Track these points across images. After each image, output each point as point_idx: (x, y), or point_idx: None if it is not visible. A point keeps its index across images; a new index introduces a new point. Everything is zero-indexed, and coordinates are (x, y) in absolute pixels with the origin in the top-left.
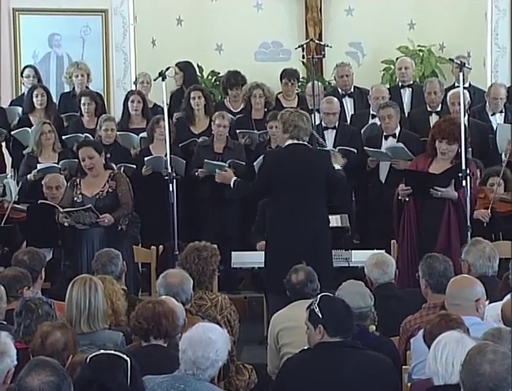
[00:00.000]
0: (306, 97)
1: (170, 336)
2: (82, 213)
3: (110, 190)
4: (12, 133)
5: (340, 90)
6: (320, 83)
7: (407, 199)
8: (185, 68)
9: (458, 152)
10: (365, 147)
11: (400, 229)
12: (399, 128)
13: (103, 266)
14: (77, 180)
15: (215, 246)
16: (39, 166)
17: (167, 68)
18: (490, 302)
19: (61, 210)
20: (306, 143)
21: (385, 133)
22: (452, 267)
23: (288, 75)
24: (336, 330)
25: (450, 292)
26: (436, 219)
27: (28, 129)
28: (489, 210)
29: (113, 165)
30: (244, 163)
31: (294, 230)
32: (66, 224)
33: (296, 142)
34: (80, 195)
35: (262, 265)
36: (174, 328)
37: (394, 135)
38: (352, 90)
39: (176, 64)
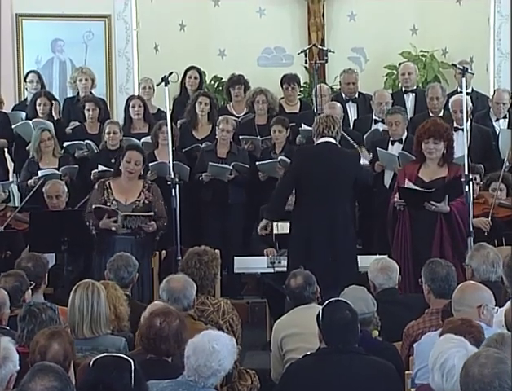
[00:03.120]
0: (313, 99)
1: (172, 355)
2: (139, 218)
3: (146, 201)
4: (13, 126)
5: (344, 96)
6: (326, 86)
7: (402, 208)
8: (201, 73)
9: (444, 154)
10: (377, 148)
11: (395, 237)
12: (405, 133)
13: (118, 269)
14: (107, 183)
15: (216, 250)
16: (40, 173)
17: (170, 74)
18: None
19: (121, 214)
20: (334, 142)
21: (391, 139)
22: (455, 272)
23: (288, 79)
24: (329, 338)
25: (454, 298)
26: (429, 230)
27: (30, 122)
28: (490, 217)
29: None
30: (248, 166)
31: (319, 231)
32: (113, 229)
33: (323, 140)
34: (114, 202)
35: (265, 271)
36: (175, 349)
37: (400, 140)
38: (357, 95)
39: (194, 68)
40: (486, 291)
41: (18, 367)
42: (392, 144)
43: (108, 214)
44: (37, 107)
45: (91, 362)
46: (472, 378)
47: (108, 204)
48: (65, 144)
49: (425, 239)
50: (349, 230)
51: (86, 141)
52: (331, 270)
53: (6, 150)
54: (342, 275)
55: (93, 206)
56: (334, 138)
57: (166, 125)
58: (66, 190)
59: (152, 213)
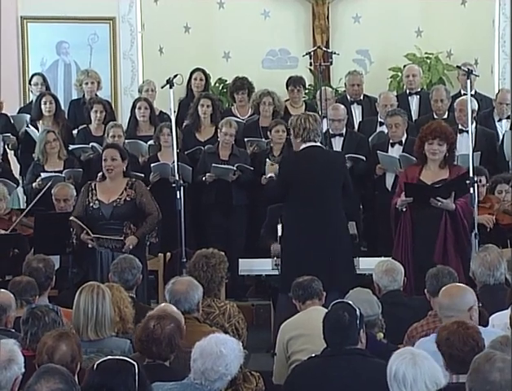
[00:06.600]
0: (317, 102)
1: (164, 359)
2: (110, 240)
3: (128, 198)
4: (23, 129)
5: (349, 97)
6: (330, 89)
7: (404, 209)
8: (207, 75)
9: (446, 156)
10: (378, 151)
11: (396, 238)
12: (405, 135)
13: (122, 272)
14: (93, 184)
15: (223, 253)
16: (43, 175)
17: (174, 76)
18: (494, 311)
19: (91, 236)
20: (320, 145)
21: (391, 141)
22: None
23: (293, 82)
24: (325, 339)
25: (442, 303)
26: (432, 230)
27: (36, 131)
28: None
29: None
30: (252, 168)
31: (312, 233)
32: (89, 246)
33: (309, 144)
34: (96, 201)
35: (270, 273)
36: (167, 352)
37: (400, 142)
38: (362, 97)
39: (199, 70)
40: (471, 292)
41: (23, 370)
42: (392, 146)
43: (82, 230)
44: (43, 106)
45: (95, 366)
46: (494, 384)
47: (91, 204)
48: (71, 147)
49: (427, 240)
50: (342, 231)
51: (92, 144)
52: (326, 271)
53: (12, 152)
54: (338, 276)
55: (70, 218)
56: (319, 140)
57: (168, 128)
58: (75, 194)
59: (121, 238)
